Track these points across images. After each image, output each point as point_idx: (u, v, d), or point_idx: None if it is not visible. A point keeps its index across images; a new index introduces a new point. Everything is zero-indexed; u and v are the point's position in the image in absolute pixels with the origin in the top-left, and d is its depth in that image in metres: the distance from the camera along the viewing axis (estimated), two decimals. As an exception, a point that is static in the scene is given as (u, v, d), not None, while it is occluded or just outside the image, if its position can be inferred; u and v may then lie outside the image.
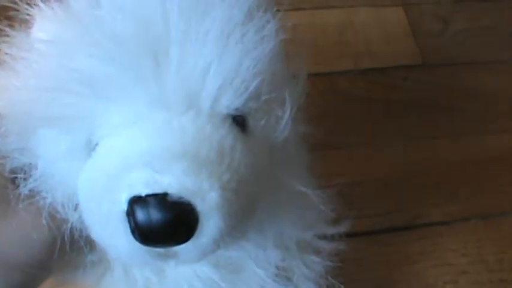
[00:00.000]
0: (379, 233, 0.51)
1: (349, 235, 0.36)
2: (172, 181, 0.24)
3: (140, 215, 0.24)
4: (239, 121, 0.28)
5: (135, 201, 0.24)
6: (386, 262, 0.50)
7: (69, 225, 0.30)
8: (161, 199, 0.24)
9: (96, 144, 0.27)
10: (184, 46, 0.26)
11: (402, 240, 0.51)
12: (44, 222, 0.29)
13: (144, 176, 0.25)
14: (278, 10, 0.29)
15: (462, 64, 0.63)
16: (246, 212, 0.27)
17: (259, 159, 0.28)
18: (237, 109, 0.27)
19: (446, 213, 0.53)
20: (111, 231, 0.26)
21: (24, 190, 0.29)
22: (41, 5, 0.28)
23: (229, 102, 0.27)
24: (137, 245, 0.25)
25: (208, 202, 0.25)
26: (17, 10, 0.28)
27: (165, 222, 0.24)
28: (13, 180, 0.30)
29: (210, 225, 0.25)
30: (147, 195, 0.24)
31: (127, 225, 0.25)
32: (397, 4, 0.65)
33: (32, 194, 0.29)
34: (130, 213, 0.25)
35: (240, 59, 0.26)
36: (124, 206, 0.25)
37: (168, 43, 0.26)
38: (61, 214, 0.30)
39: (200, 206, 0.24)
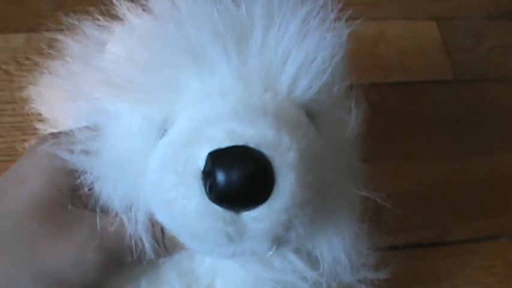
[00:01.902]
0: (406, 248, 0.52)
1: (376, 249, 0.37)
2: (253, 133, 0.25)
3: (219, 168, 0.24)
4: (310, 117, 0.30)
5: (214, 158, 0.25)
6: (413, 277, 0.50)
7: (125, 242, 0.30)
8: (242, 150, 0.25)
9: (173, 123, 0.29)
10: (267, 34, 0.29)
11: (430, 256, 0.52)
12: (99, 242, 0.30)
13: (226, 127, 0.25)
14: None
15: (494, 81, 0.64)
16: (316, 194, 0.27)
17: (327, 155, 0.29)
18: (310, 100, 0.29)
19: (474, 230, 0.54)
20: (184, 190, 0.26)
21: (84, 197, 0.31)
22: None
23: (305, 88, 0.29)
24: (210, 207, 0.25)
25: (286, 159, 0.25)
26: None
27: (243, 176, 0.24)
28: (72, 200, 0.31)
29: (285, 185, 0.25)
30: (228, 148, 0.25)
31: (202, 182, 0.25)
32: (431, 18, 0.66)
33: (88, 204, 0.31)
34: (208, 170, 0.25)
35: (316, 50, 0.29)
36: (202, 162, 0.25)
37: (251, 29, 0.29)
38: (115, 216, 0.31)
39: (278, 161, 0.25)
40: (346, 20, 0.32)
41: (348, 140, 0.33)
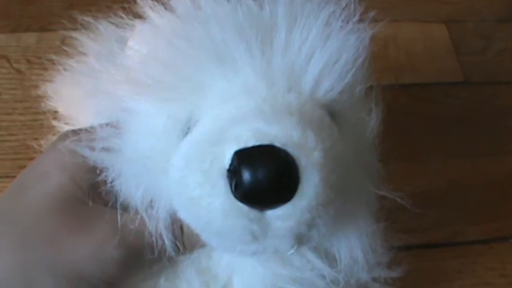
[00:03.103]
0: (416, 248, 0.53)
1: (390, 248, 0.38)
2: (279, 132, 0.26)
3: (245, 166, 0.25)
4: (332, 117, 0.31)
5: (240, 156, 0.25)
6: (423, 278, 0.51)
7: (145, 239, 0.31)
8: (268, 149, 0.25)
9: (197, 122, 0.29)
10: (291, 33, 0.30)
11: (440, 257, 0.53)
12: (119, 239, 0.31)
13: (252, 127, 0.26)
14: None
15: (504, 83, 0.65)
16: (338, 194, 0.28)
17: (348, 156, 0.30)
18: (332, 101, 0.30)
19: (485, 231, 0.55)
20: (210, 188, 0.27)
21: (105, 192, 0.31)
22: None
23: (328, 88, 0.30)
24: (236, 204, 0.26)
25: (311, 159, 0.26)
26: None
27: (269, 175, 0.25)
28: (93, 197, 0.32)
29: (309, 185, 0.26)
30: (254, 147, 0.25)
31: (228, 181, 0.26)
32: (441, 21, 0.68)
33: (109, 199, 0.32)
34: (233, 169, 0.26)
35: (340, 51, 0.30)
36: (228, 161, 0.26)
37: (275, 29, 0.30)
38: (136, 215, 0.31)
39: (303, 161, 0.26)
40: (368, 24, 0.33)
41: (367, 140, 0.34)
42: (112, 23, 0.40)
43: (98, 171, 0.32)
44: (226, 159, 0.26)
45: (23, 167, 0.52)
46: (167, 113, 0.30)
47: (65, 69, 0.46)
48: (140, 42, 0.34)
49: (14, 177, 0.52)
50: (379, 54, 0.64)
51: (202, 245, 0.33)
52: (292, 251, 0.30)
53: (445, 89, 0.63)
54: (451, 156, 0.59)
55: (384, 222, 0.37)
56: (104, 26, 0.45)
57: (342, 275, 0.34)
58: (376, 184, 0.34)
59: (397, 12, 0.67)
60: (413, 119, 0.60)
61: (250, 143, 0.26)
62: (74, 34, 0.47)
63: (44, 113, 0.54)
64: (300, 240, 0.29)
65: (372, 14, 0.33)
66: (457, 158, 0.59)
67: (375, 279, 0.37)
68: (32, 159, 0.53)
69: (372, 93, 0.35)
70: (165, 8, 0.34)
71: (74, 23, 0.55)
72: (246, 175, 0.25)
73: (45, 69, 0.57)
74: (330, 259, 0.34)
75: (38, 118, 0.56)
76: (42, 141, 0.48)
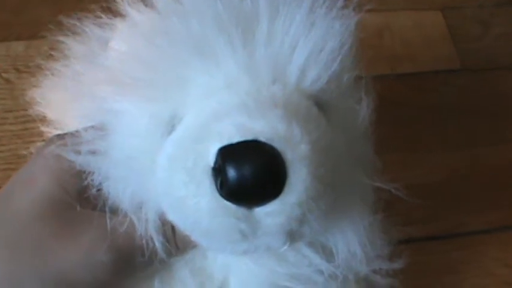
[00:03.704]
0: (418, 241, 0.53)
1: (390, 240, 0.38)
2: (264, 127, 0.25)
3: (230, 164, 0.25)
4: (320, 108, 0.30)
5: (225, 153, 0.25)
6: (426, 271, 0.51)
7: (135, 242, 0.31)
8: (253, 145, 0.25)
9: (181, 119, 0.29)
10: (273, 23, 0.29)
11: (443, 249, 0.53)
12: (109, 242, 0.30)
13: (236, 122, 0.26)
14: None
15: (502, 68, 0.65)
16: (328, 188, 0.27)
17: (338, 147, 0.30)
18: (319, 91, 0.29)
19: (486, 221, 0.55)
20: (195, 188, 0.26)
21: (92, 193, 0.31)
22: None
23: (314, 78, 0.29)
24: (222, 203, 0.26)
25: (298, 152, 0.26)
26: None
27: (255, 171, 0.24)
28: (80, 201, 0.32)
29: (297, 179, 0.26)
30: (238, 143, 0.25)
31: (213, 179, 0.25)
32: (436, 8, 0.67)
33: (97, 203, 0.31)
34: (218, 166, 0.25)
35: (324, 39, 0.29)
36: (212, 158, 0.25)
37: (257, 20, 0.29)
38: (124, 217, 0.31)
39: (290, 155, 0.25)
40: (353, 9, 0.32)
41: (359, 130, 0.33)
42: (95, 24, 0.40)
43: (85, 175, 0.32)
44: (210, 156, 0.26)
45: (14, 176, 0.53)
46: (149, 112, 0.30)
47: (52, 74, 0.46)
48: (120, 41, 0.34)
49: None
50: (374, 43, 0.64)
51: (197, 245, 0.33)
52: (285, 247, 0.29)
53: (442, 77, 0.63)
54: (450, 146, 0.59)
55: (382, 214, 0.36)
56: (89, 28, 0.45)
57: (340, 269, 0.33)
58: (370, 175, 0.34)
59: (391, 0, 0.67)
60: (410, 109, 0.60)
61: (235, 139, 0.25)
62: (62, 39, 0.47)
63: (34, 121, 0.55)
64: (292, 236, 0.28)
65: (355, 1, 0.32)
66: (456, 147, 0.59)
67: (375, 272, 0.37)
68: (23, 168, 0.54)
69: (361, 81, 0.34)
70: (145, 5, 0.34)
71: (61, 29, 0.56)
72: (231, 173, 0.25)
73: (34, 77, 0.58)
74: (327, 254, 0.34)
75: (28, 127, 0.56)
76: (32, 149, 0.48)
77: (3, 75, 0.59)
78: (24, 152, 0.54)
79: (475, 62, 0.64)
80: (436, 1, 0.68)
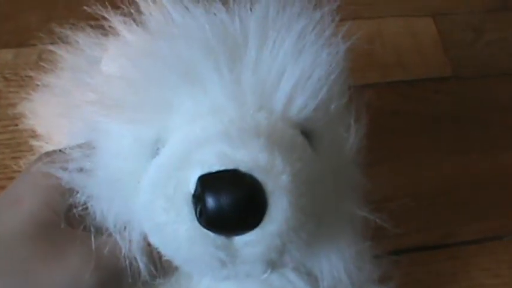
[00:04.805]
0: (408, 251, 0.53)
1: (377, 255, 0.38)
2: (245, 156, 0.26)
3: (209, 193, 0.25)
4: (307, 136, 0.30)
5: (204, 182, 0.25)
6: (416, 282, 0.52)
7: (120, 263, 0.31)
8: (232, 175, 0.25)
9: (165, 142, 0.29)
10: (262, 50, 0.29)
11: (433, 259, 0.53)
12: (95, 262, 0.30)
13: (217, 150, 0.26)
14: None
15: (495, 76, 0.65)
16: (310, 218, 0.28)
17: (323, 176, 0.30)
18: (306, 119, 0.30)
19: (477, 231, 0.55)
20: (174, 215, 0.27)
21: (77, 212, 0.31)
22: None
23: (301, 106, 0.29)
24: (201, 231, 0.26)
25: (278, 183, 0.26)
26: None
27: (233, 202, 0.25)
28: (66, 219, 0.32)
29: (278, 209, 0.26)
30: (218, 172, 0.25)
31: (193, 207, 0.26)
32: (427, 14, 0.68)
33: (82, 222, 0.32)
34: (198, 195, 0.25)
35: (312, 67, 0.29)
36: (192, 185, 0.26)
37: (245, 46, 0.29)
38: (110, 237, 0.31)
39: (271, 185, 0.25)
40: (341, 20, 0.32)
41: (347, 158, 0.33)
42: (87, 38, 0.40)
43: (71, 193, 0.32)
44: (190, 184, 0.26)
45: (1, 187, 0.53)
46: (134, 134, 0.30)
47: (42, 86, 0.46)
48: (109, 61, 0.34)
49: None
50: (364, 51, 0.64)
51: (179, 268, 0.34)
52: (265, 275, 0.30)
53: (433, 85, 0.63)
54: (442, 155, 0.59)
55: (371, 236, 0.36)
56: (81, 39, 0.45)
57: None
58: (357, 202, 0.34)
59: (382, 8, 0.67)
60: (401, 118, 0.61)
61: (215, 167, 0.26)
62: (51, 48, 0.47)
63: (21, 131, 0.55)
64: (272, 265, 0.29)
65: (346, 27, 0.32)
66: (448, 156, 0.59)
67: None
68: (10, 178, 0.54)
69: (350, 107, 0.34)
70: (137, 24, 0.34)
71: (51, 37, 0.56)
72: (210, 202, 0.25)
73: (22, 86, 0.58)
74: (312, 279, 0.34)
75: (15, 136, 0.56)
76: (21, 162, 0.48)
77: (-9, 84, 0.60)
78: (11, 162, 0.54)
79: (467, 69, 0.65)
80: (427, 8, 0.68)
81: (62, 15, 0.63)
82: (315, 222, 0.28)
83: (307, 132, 0.30)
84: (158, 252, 0.32)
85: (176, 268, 0.33)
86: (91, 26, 0.38)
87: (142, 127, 0.30)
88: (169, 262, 0.32)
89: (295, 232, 0.27)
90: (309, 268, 0.34)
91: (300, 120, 0.30)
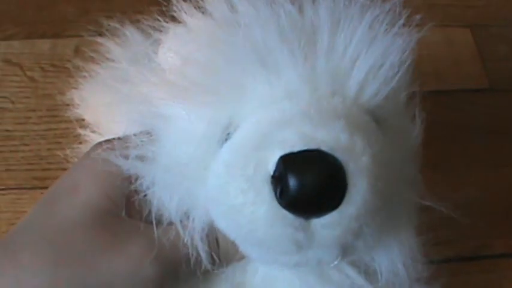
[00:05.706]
0: (443, 262, 0.53)
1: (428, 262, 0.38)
2: (327, 136, 0.26)
3: (292, 173, 0.25)
4: (377, 123, 0.31)
5: (287, 162, 0.25)
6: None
7: (180, 253, 0.31)
8: (315, 155, 0.25)
9: (237, 127, 0.30)
10: (334, 37, 0.30)
11: (465, 271, 0.53)
12: (154, 257, 0.30)
13: (298, 130, 0.26)
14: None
15: (530, 89, 0.65)
16: (385, 202, 0.28)
17: (394, 164, 0.30)
18: (377, 106, 0.30)
19: (510, 245, 0.55)
20: (253, 196, 0.27)
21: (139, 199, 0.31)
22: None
23: (373, 93, 0.30)
24: (280, 213, 0.26)
25: (360, 164, 0.26)
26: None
27: (317, 181, 0.25)
28: (125, 208, 0.32)
29: (357, 192, 0.26)
30: (300, 152, 0.25)
31: (272, 188, 0.26)
32: (465, 25, 0.68)
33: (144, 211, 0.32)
34: (278, 175, 0.26)
35: (385, 55, 0.30)
36: (272, 166, 0.26)
37: (318, 33, 0.30)
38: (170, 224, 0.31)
39: (352, 166, 0.26)
40: (414, 27, 0.33)
41: (411, 149, 0.34)
42: (142, 27, 0.41)
43: (131, 180, 0.32)
44: (270, 164, 0.26)
45: (36, 178, 0.54)
46: (207, 117, 0.30)
47: (90, 76, 0.46)
48: (177, 46, 0.34)
49: (27, 188, 0.53)
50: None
51: (238, 259, 0.34)
52: (335, 262, 0.30)
53: (469, 96, 0.64)
54: (476, 165, 0.59)
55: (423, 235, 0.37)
56: (130, 31, 0.46)
57: None
58: (418, 194, 0.34)
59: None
60: (437, 127, 0.61)
61: (297, 147, 0.26)
62: (92, 39, 0.47)
63: (59, 122, 0.56)
64: (345, 250, 0.29)
65: (418, 17, 0.33)
66: (482, 166, 0.59)
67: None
68: (46, 170, 0.54)
69: (414, 99, 0.35)
70: (201, 12, 0.34)
71: (89, 29, 0.57)
72: (293, 182, 0.25)
73: (58, 77, 0.58)
74: (370, 275, 0.34)
75: (52, 127, 0.57)
76: (67, 151, 0.49)
77: (28, 73, 0.60)
78: (47, 154, 0.55)
79: (503, 81, 0.65)
80: (465, 18, 0.69)
81: (98, 8, 0.64)
82: (388, 207, 0.28)
83: (377, 119, 0.31)
84: (217, 243, 0.32)
85: (231, 259, 0.33)
86: (154, 12, 0.38)
87: (216, 110, 0.30)
88: (224, 253, 0.32)
89: (371, 215, 0.27)
90: (367, 263, 0.34)
91: (371, 107, 0.30)
